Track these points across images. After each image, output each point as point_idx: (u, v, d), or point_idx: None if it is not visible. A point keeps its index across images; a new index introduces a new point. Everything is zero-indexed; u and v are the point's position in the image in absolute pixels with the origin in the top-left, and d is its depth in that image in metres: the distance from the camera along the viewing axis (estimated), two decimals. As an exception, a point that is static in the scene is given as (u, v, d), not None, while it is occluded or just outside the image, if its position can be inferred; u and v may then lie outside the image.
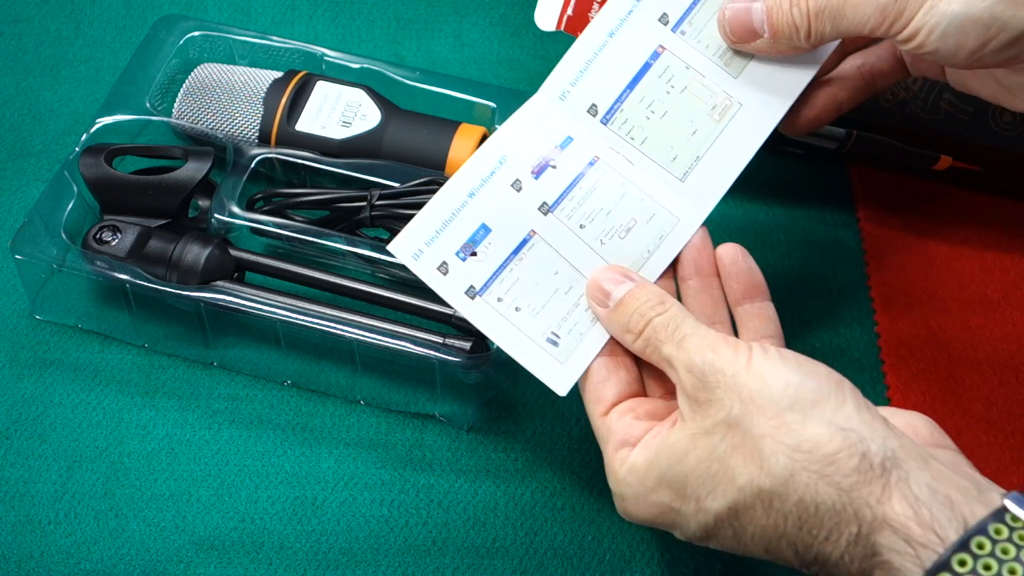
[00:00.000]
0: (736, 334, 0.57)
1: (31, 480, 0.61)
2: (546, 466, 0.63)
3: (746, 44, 0.58)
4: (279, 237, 0.66)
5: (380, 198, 0.65)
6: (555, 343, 0.55)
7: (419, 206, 0.64)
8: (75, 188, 0.65)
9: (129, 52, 0.74)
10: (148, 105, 0.69)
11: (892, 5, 0.53)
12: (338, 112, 0.69)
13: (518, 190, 0.57)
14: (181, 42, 0.72)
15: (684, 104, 0.59)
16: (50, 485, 0.61)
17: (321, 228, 0.65)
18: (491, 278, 0.55)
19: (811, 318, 0.69)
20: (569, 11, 0.72)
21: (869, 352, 0.67)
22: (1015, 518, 0.43)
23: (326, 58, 0.72)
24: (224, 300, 0.61)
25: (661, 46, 0.59)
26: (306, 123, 0.68)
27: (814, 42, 0.56)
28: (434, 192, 0.59)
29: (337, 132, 0.68)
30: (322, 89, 0.69)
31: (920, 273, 0.71)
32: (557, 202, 0.57)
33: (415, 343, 0.60)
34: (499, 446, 0.63)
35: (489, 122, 0.70)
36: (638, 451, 0.51)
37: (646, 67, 0.59)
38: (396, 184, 0.66)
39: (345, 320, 0.61)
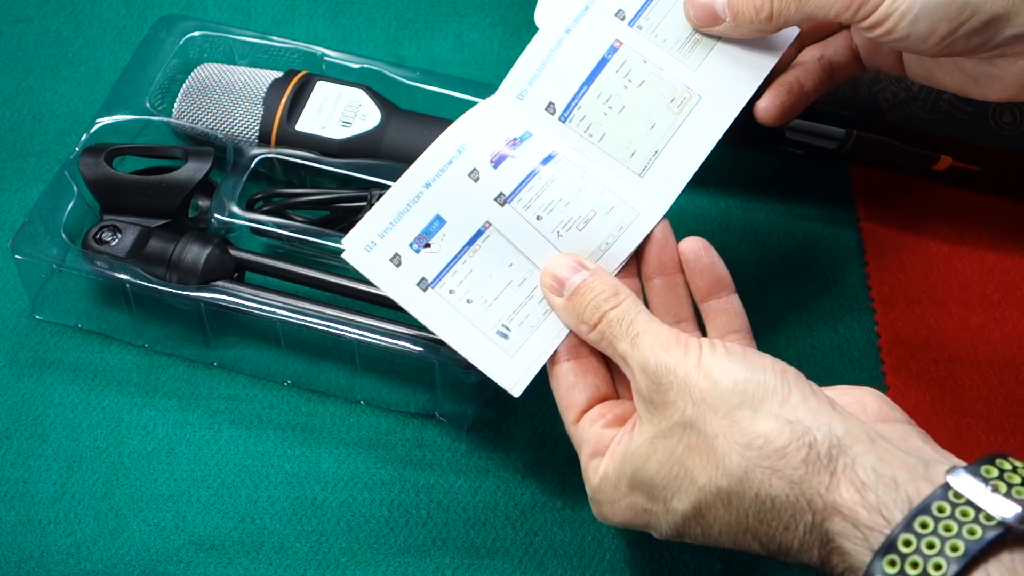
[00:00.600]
0: (703, 330, 0.57)
1: (31, 480, 0.61)
2: (546, 466, 0.63)
3: (710, 28, 0.58)
4: (279, 237, 0.66)
5: (380, 198, 0.65)
6: (505, 336, 0.55)
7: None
8: (75, 188, 0.65)
9: (129, 52, 0.74)
10: (148, 105, 0.69)
11: None
12: (338, 112, 0.69)
13: (475, 180, 0.56)
14: (181, 42, 0.72)
15: (642, 98, 0.59)
16: (50, 485, 0.61)
17: (321, 228, 0.65)
18: (444, 270, 0.55)
19: (811, 318, 0.69)
20: None
21: (869, 352, 0.67)
22: (957, 494, 0.43)
23: (326, 58, 0.72)
24: (224, 300, 0.61)
25: (618, 40, 0.59)
26: (306, 123, 0.68)
27: (777, 24, 0.56)
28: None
29: (337, 132, 0.68)
30: (322, 89, 0.69)
31: (920, 273, 0.71)
32: (514, 192, 0.56)
33: (415, 343, 0.60)
34: (499, 446, 0.63)
35: (489, 122, 0.70)
36: (607, 460, 0.52)
37: (603, 62, 0.59)
38: (396, 185, 0.66)
39: (345, 320, 0.61)
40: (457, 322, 0.55)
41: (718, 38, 0.59)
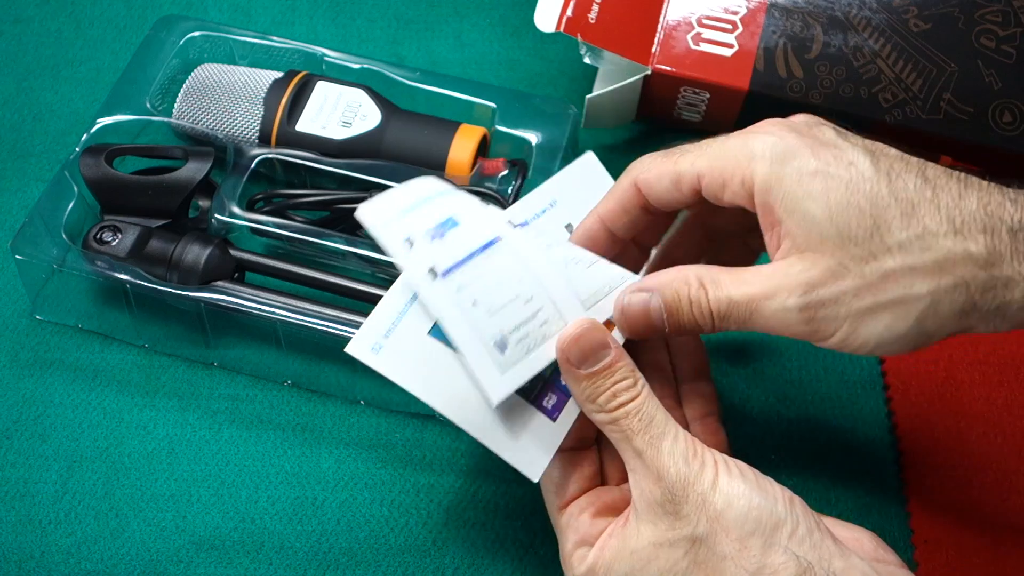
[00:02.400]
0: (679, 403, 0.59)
1: (31, 480, 0.61)
2: (546, 466, 0.63)
3: (643, 336, 0.54)
4: (279, 237, 0.66)
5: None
6: (502, 351, 0.53)
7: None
8: (75, 188, 0.65)
9: (129, 52, 0.74)
10: (148, 105, 0.69)
11: (802, 327, 0.50)
12: (338, 112, 0.69)
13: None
14: (181, 42, 0.72)
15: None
16: (50, 485, 0.61)
17: (321, 228, 0.65)
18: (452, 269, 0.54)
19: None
20: (569, 12, 0.72)
21: (869, 352, 0.67)
22: None
23: (326, 58, 0.72)
24: (224, 300, 0.61)
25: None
26: (306, 123, 0.68)
27: (721, 330, 0.53)
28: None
29: (337, 132, 0.68)
30: (322, 89, 0.69)
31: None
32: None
33: (415, 343, 0.60)
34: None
35: (489, 122, 0.70)
36: (596, 552, 0.52)
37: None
38: (396, 184, 0.66)
39: (345, 320, 0.61)
40: (459, 319, 0.53)
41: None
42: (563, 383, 0.53)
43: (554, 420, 0.54)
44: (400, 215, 0.54)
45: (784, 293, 0.49)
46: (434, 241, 0.53)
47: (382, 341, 0.53)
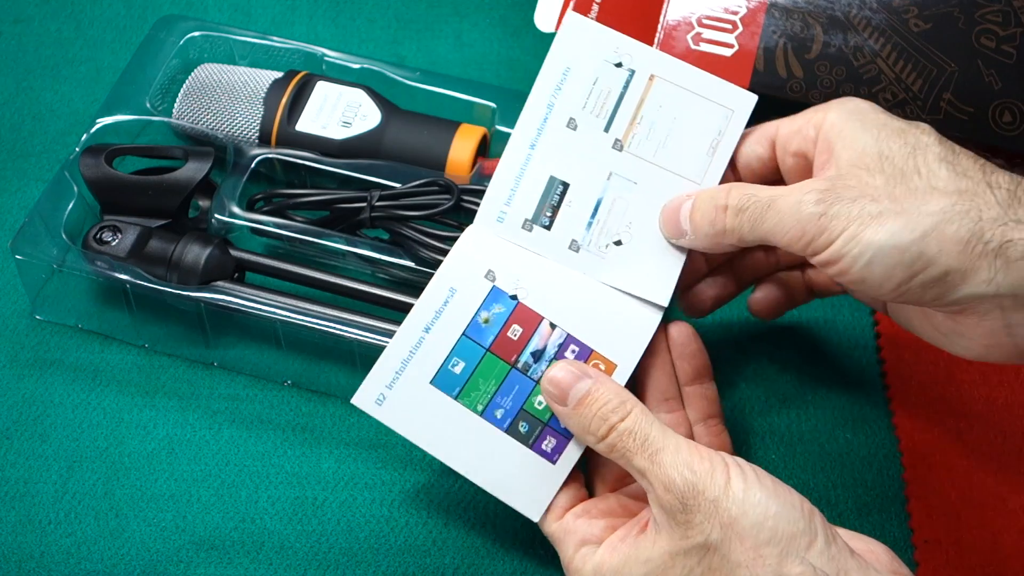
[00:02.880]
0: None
1: (31, 480, 0.61)
2: (546, 466, 0.63)
3: (678, 240, 0.57)
4: (279, 237, 0.66)
5: (380, 199, 0.65)
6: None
7: (418, 207, 0.64)
8: (75, 188, 0.65)
9: (129, 52, 0.74)
10: (148, 105, 0.69)
11: (812, 222, 0.50)
12: (338, 112, 0.69)
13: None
14: (181, 42, 0.72)
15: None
16: (50, 485, 0.61)
17: (321, 228, 0.65)
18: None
19: (811, 319, 0.69)
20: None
21: (869, 352, 0.67)
22: None
23: (326, 58, 0.72)
24: (224, 300, 0.61)
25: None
26: (306, 123, 0.68)
27: (731, 241, 0.54)
28: (434, 193, 0.61)
29: (337, 132, 0.68)
30: (322, 89, 0.69)
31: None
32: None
33: (415, 343, 0.60)
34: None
35: (489, 122, 0.70)
36: (605, 552, 0.52)
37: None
38: (396, 184, 0.66)
39: (345, 320, 0.61)
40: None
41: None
42: (561, 426, 0.56)
43: (554, 463, 0.56)
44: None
45: (806, 189, 0.51)
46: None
47: (385, 392, 0.56)
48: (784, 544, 0.47)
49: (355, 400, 0.56)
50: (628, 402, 0.52)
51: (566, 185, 0.58)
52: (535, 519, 0.55)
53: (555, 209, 0.58)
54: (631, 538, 0.52)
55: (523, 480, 0.56)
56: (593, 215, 0.58)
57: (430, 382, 0.56)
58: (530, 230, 0.58)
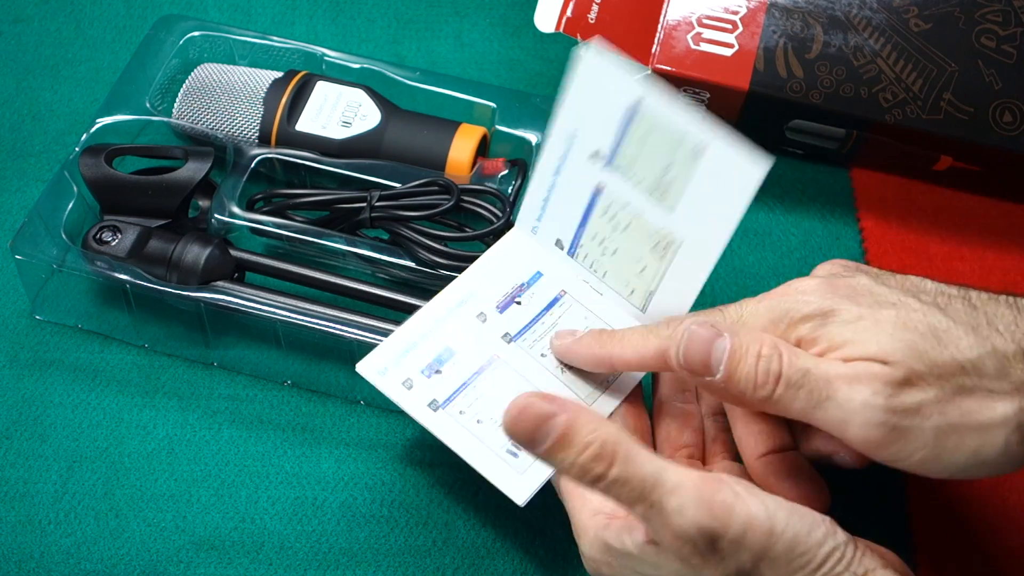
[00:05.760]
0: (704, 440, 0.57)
1: (31, 480, 0.61)
2: (546, 466, 0.63)
3: (697, 378, 0.50)
4: (279, 237, 0.66)
5: (380, 199, 0.65)
6: (515, 455, 0.55)
7: (418, 207, 0.64)
8: (75, 188, 0.65)
9: (129, 52, 0.74)
10: (148, 105, 0.69)
11: (885, 431, 0.47)
12: (338, 112, 0.69)
13: (483, 321, 0.59)
14: (181, 42, 0.72)
15: (629, 242, 0.58)
16: (50, 485, 0.61)
17: (321, 228, 0.65)
18: (454, 393, 0.56)
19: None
20: (568, 12, 0.72)
21: (869, 352, 0.67)
22: None
23: (326, 58, 0.72)
24: (224, 300, 0.61)
25: (599, 184, 0.58)
26: (306, 123, 0.68)
27: (767, 408, 0.49)
28: (434, 194, 0.61)
29: (337, 132, 0.68)
30: (322, 89, 0.69)
31: (920, 273, 0.70)
32: (520, 334, 0.59)
33: (415, 343, 0.60)
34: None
35: (489, 122, 0.70)
36: (615, 532, 0.49)
37: (591, 205, 0.59)
38: (396, 184, 0.66)
39: (345, 320, 0.61)
40: (468, 439, 0.56)
41: (689, 179, 0.54)
42: None
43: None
44: (396, 361, 0.57)
45: (867, 384, 0.46)
46: (432, 378, 0.56)
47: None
48: (819, 564, 0.46)
49: (359, 367, 0.56)
50: (609, 442, 0.45)
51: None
52: (520, 503, 0.54)
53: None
54: (641, 545, 0.48)
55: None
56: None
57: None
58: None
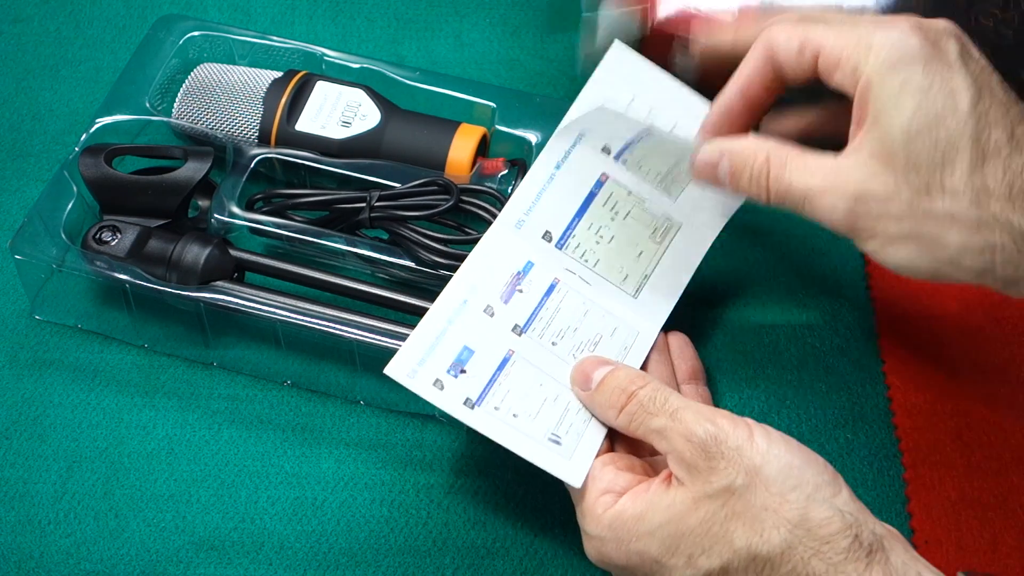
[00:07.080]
0: None
1: (31, 480, 0.61)
2: (546, 466, 0.63)
3: (713, 183, 0.58)
4: (279, 237, 0.66)
5: (379, 199, 0.65)
6: (558, 442, 0.56)
7: (418, 208, 0.64)
8: (75, 188, 0.65)
9: (129, 52, 0.74)
10: (148, 105, 0.69)
11: (845, 224, 0.53)
12: (338, 112, 0.69)
13: (491, 315, 0.59)
14: (181, 42, 0.72)
15: (628, 229, 0.63)
16: (50, 485, 0.61)
17: (321, 228, 0.65)
18: (484, 391, 0.57)
19: (811, 318, 0.68)
20: None
21: (869, 351, 0.67)
22: None
23: (326, 58, 0.72)
24: (224, 300, 0.61)
25: (604, 174, 0.63)
26: (306, 123, 0.68)
27: (774, 206, 0.56)
28: (434, 194, 0.62)
29: (337, 132, 0.68)
30: (322, 89, 0.69)
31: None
32: (528, 323, 0.60)
33: (415, 343, 0.60)
34: (499, 446, 0.63)
35: (489, 122, 0.70)
36: (627, 501, 0.53)
37: (591, 196, 0.63)
38: (396, 184, 0.66)
39: (345, 320, 0.61)
40: (511, 433, 0.57)
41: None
42: None
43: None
44: (422, 362, 0.57)
45: (837, 193, 0.52)
46: (459, 377, 0.57)
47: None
48: (810, 490, 0.49)
49: (388, 369, 0.56)
50: (647, 376, 0.56)
51: None
52: (577, 485, 0.55)
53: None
54: (655, 488, 0.52)
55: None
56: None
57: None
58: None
